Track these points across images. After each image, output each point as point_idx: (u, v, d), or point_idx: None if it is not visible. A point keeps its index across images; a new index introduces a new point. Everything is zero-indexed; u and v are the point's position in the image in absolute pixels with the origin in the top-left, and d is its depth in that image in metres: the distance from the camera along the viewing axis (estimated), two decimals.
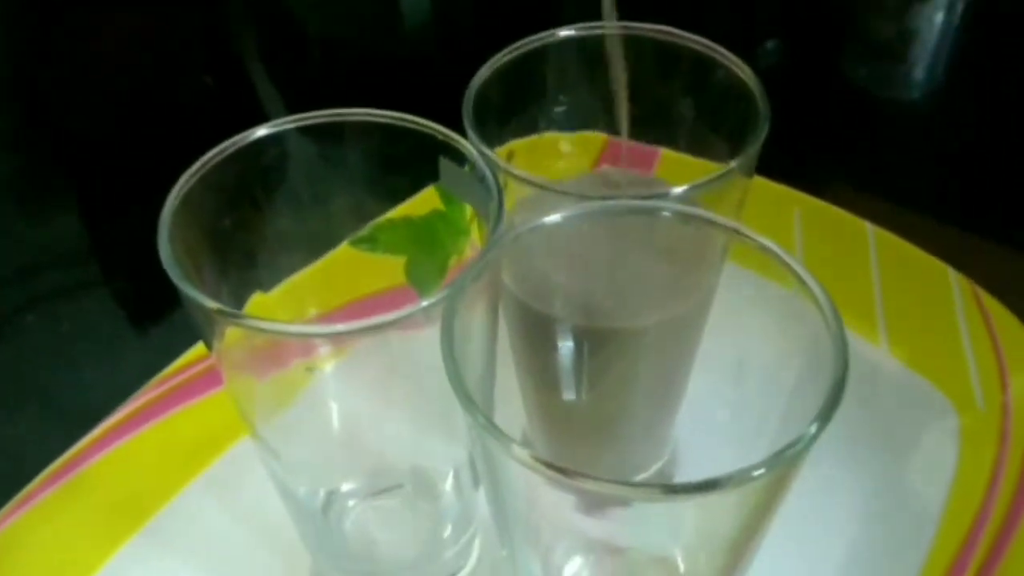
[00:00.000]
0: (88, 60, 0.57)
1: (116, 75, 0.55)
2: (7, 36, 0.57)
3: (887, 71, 0.58)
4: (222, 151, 0.25)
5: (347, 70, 0.57)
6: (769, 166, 0.37)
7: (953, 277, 0.37)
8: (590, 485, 0.18)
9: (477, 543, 0.32)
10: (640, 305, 0.26)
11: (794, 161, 0.40)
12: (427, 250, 0.29)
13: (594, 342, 0.26)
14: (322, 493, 0.30)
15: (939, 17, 0.57)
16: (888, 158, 0.51)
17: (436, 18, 0.61)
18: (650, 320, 0.26)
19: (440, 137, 0.26)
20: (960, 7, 0.58)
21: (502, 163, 0.25)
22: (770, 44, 0.56)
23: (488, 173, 0.24)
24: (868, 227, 0.39)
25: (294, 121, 0.26)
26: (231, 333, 0.24)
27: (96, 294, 0.45)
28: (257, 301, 0.27)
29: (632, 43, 0.28)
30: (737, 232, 0.22)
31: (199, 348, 0.36)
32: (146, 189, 0.24)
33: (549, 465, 0.18)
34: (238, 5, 0.62)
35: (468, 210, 0.27)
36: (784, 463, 0.19)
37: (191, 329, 0.32)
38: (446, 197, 0.28)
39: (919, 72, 0.58)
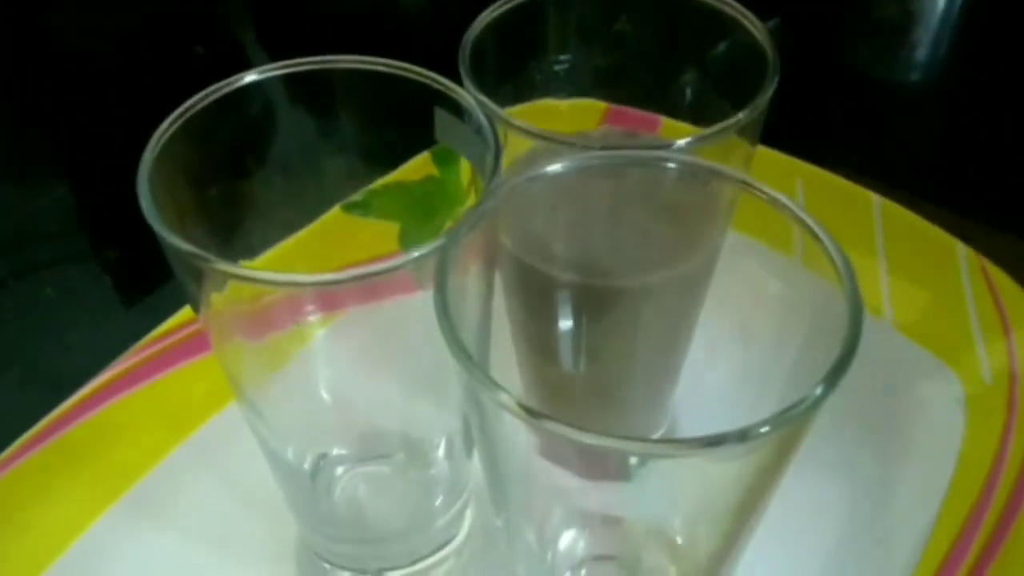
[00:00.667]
0: (76, 29, 0.56)
1: (105, 43, 0.55)
2: None
3: (889, 52, 0.57)
4: (206, 96, 0.24)
5: (341, 40, 0.56)
6: (769, 146, 0.36)
7: (959, 249, 0.36)
8: (581, 437, 0.17)
9: (469, 513, 0.31)
10: (643, 262, 0.26)
11: (794, 142, 0.40)
12: (421, 216, 0.29)
13: (594, 302, 0.26)
14: (311, 459, 0.30)
15: None
16: (890, 140, 0.51)
17: None
18: (653, 278, 0.25)
19: (435, 86, 0.24)
20: None
21: (500, 112, 0.24)
22: (771, 24, 0.55)
23: (485, 123, 0.23)
24: (874, 197, 0.38)
25: (282, 68, 0.25)
26: (218, 295, 0.23)
27: (82, 260, 0.45)
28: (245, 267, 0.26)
29: None
30: (745, 184, 0.21)
31: (185, 312, 0.35)
32: (134, 158, 0.23)
33: (537, 414, 0.17)
34: None
35: (464, 175, 0.26)
36: (790, 422, 0.18)
37: (177, 296, 0.31)
38: (441, 162, 0.27)
39: (921, 53, 0.57)
